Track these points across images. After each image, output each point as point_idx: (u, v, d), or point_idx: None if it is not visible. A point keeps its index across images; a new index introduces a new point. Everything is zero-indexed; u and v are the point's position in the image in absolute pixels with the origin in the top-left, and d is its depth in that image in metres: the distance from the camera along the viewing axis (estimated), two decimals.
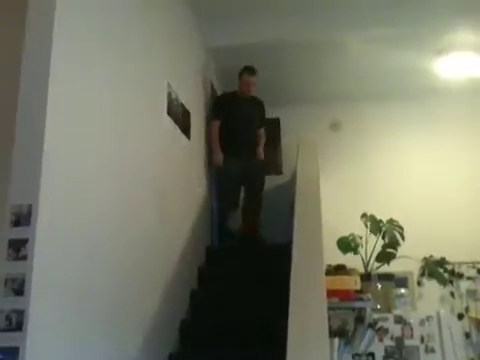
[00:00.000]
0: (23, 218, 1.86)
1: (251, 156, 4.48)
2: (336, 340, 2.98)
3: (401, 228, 4.05)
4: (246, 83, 4.46)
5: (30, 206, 1.86)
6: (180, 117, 3.73)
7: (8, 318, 1.77)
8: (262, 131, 4.68)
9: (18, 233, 1.85)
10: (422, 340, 4.09)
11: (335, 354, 2.99)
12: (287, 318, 2.14)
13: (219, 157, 4.34)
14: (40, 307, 1.82)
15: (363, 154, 5.32)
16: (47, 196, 1.91)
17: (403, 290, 4.55)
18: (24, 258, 1.82)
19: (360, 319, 3.14)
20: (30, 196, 1.87)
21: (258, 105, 4.65)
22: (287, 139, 5.43)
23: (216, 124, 4.43)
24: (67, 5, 2.18)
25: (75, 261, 2.11)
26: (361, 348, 3.57)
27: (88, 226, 2.24)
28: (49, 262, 1.91)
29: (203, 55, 4.61)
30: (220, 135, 4.40)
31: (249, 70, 4.45)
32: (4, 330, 1.75)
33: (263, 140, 4.66)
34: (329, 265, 3.34)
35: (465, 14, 4.08)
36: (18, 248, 1.84)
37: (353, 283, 3.18)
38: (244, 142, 4.42)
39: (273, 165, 5.38)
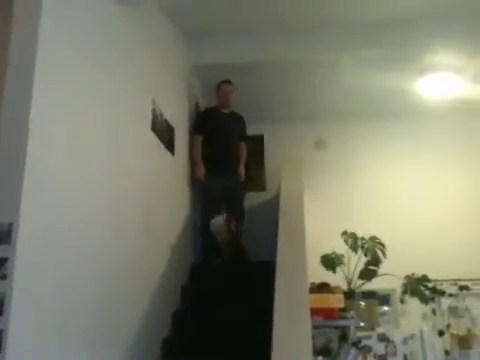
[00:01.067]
0: (3, 236, 1.83)
1: (232, 173, 4.49)
2: (320, 359, 2.97)
3: (383, 245, 4.07)
4: (224, 92, 4.55)
5: (11, 224, 1.83)
6: (164, 133, 3.72)
7: None
8: (243, 145, 4.70)
9: None
10: (405, 358, 4.09)
11: None
12: (271, 337, 2.13)
13: (201, 171, 4.35)
14: (20, 327, 1.79)
15: (348, 172, 5.36)
16: (28, 214, 1.88)
17: (386, 307, 4.56)
18: (4, 277, 1.79)
19: (344, 337, 3.14)
20: (11, 214, 1.84)
21: (238, 119, 4.68)
22: (271, 156, 5.46)
23: (198, 139, 4.45)
24: (52, 22, 2.17)
25: (56, 280, 2.07)
26: None
27: (70, 244, 2.21)
28: (30, 281, 1.87)
29: (188, 72, 4.63)
30: (202, 151, 4.41)
31: (226, 81, 4.56)
32: None
33: (244, 155, 4.67)
34: (312, 283, 3.33)
35: (445, 36, 4.17)
36: None
37: (337, 301, 3.19)
38: (225, 158, 4.44)
39: (256, 182, 5.39)
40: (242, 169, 4.60)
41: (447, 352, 4.38)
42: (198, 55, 4.53)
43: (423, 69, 4.58)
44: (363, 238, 4.13)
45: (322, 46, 4.42)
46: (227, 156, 4.46)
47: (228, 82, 4.54)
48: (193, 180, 4.46)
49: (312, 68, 4.66)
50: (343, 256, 4.01)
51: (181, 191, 4.21)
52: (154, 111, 3.50)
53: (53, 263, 2.05)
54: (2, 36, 2.14)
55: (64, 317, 2.10)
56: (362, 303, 3.94)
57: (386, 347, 4.09)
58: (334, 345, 2.99)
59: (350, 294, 3.79)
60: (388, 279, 3.99)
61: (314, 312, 2.57)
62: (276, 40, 4.41)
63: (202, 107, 5.00)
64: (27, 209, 1.88)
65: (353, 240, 4.10)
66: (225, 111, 4.60)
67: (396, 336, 4.16)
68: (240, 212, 4.48)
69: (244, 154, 4.68)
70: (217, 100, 4.62)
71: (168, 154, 3.82)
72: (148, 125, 3.40)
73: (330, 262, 3.94)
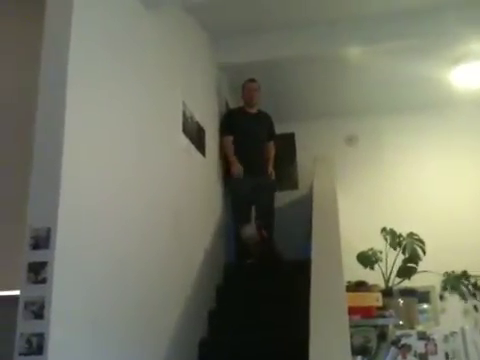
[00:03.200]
0: (42, 241, 1.86)
1: (261, 172, 4.46)
2: (359, 358, 2.92)
3: (422, 242, 3.98)
4: (248, 90, 4.53)
5: (49, 229, 1.86)
6: (195, 135, 3.74)
7: (28, 341, 1.77)
8: (271, 145, 4.66)
9: (37, 256, 1.85)
10: (447, 356, 3.99)
11: None
12: (308, 337, 2.10)
13: (238, 168, 4.31)
14: (60, 330, 1.82)
15: (380, 167, 5.26)
16: (65, 219, 1.91)
17: (426, 305, 4.45)
18: (43, 281, 1.83)
19: (383, 336, 3.08)
20: (49, 219, 1.87)
21: (264, 118, 4.64)
22: (302, 154, 5.41)
23: (229, 139, 4.43)
24: (83, 27, 2.21)
25: (94, 283, 2.10)
26: None
27: (106, 248, 2.24)
28: (68, 285, 1.91)
29: (217, 73, 4.63)
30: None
31: (250, 79, 4.54)
32: (25, 354, 1.75)
33: (272, 154, 4.63)
34: (349, 281, 3.28)
35: (477, 23, 4.05)
36: (37, 271, 1.84)
37: (375, 300, 3.13)
38: (252, 158, 4.40)
39: (288, 180, 5.35)
40: (271, 168, 4.55)
41: None
42: (225, 55, 4.53)
43: (457, 59, 4.46)
44: (401, 235, 4.04)
45: (351, 39, 4.34)
46: (254, 156, 4.42)
47: (252, 80, 4.52)
48: (225, 181, 4.46)
49: (341, 62, 4.59)
50: (381, 252, 3.93)
51: (213, 192, 4.22)
52: (184, 113, 3.52)
53: (90, 267, 2.09)
54: (35, 39, 2.19)
55: (100, 320, 2.13)
56: (401, 301, 3.86)
57: (426, 345, 4.00)
58: (373, 344, 2.93)
59: (388, 292, 3.71)
60: (427, 276, 3.90)
61: (352, 311, 2.53)
62: (303, 35, 4.36)
63: (232, 107, 5.00)
64: (64, 215, 1.91)
65: (392, 237, 4.01)
66: (251, 111, 4.58)
67: (436, 334, 4.06)
68: (270, 212, 4.45)
69: (272, 153, 4.64)
70: (243, 99, 4.62)
71: (199, 155, 3.84)
72: (179, 127, 3.42)
73: (367, 259, 3.87)
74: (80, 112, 2.11)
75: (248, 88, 4.54)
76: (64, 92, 2.02)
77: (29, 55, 2.26)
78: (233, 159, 4.36)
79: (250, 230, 4.10)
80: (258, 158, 4.47)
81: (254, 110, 4.59)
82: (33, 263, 1.85)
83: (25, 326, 1.79)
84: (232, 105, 5.01)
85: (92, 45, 2.30)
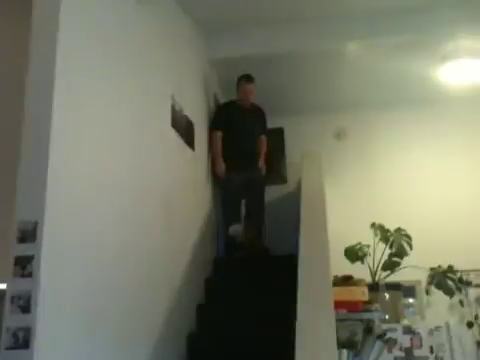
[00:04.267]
0: (29, 235, 1.86)
1: (252, 168, 4.45)
2: (345, 351, 2.95)
3: (409, 237, 4.01)
4: (244, 91, 4.44)
5: (36, 223, 1.86)
6: (184, 129, 3.73)
7: (15, 336, 1.77)
8: (263, 139, 4.66)
9: (24, 250, 1.85)
10: (432, 350, 4.05)
11: None
12: (294, 330, 2.12)
13: (221, 167, 4.31)
14: (47, 324, 1.82)
15: (369, 162, 5.29)
16: (53, 213, 1.91)
17: (411, 300, 4.50)
18: (30, 275, 1.82)
19: (369, 330, 3.11)
20: (36, 213, 1.87)
21: (257, 112, 4.61)
22: (291, 148, 5.42)
23: (217, 134, 4.40)
24: (72, 21, 2.20)
25: (81, 277, 2.10)
26: (370, 359, 3.53)
27: (94, 242, 2.24)
28: (55, 279, 1.91)
29: (206, 67, 4.63)
30: (222, 146, 4.39)
31: (246, 78, 4.43)
32: (11, 348, 1.75)
33: (265, 149, 4.63)
34: (336, 275, 3.31)
35: (466, 21, 4.09)
36: (24, 265, 1.84)
37: (361, 294, 3.16)
38: (245, 152, 4.39)
39: (277, 174, 5.36)
40: (262, 163, 4.56)
41: (478, 343, 4.30)
42: (215, 49, 4.53)
43: (445, 56, 4.49)
44: (388, 230, 4.08)
45: (341, 35, 4.36)
46: (246, 151, 4.42)
47: (248, 79, 4.43)
48: (214, 176, 4.46)
49: (331, 58, 4.61)
50: (368, 246, 3.96)
51: (202, 186, 4.22)
52: (173, 107, 3.52)
53: (78, 261, 2.08)
54: (23, 34, 2.17)
55: (88, 314, 2.13)
56: (387, 295, 3.90)
57: (411, 339, 4.05)
58: (359, 338, 2.97)
59: (374, 286, 3.75)
60: (413, 271, 3.94)
61: (338, 305, 2.56)
62: (293, 31, 4.36)
63: (221, 101, 4.99)
64: (51, 208, 1.90)
65: (382, 232, 4.04)
66: (245, 105, 4.54)
67: (422, 328, 4.11)
68: (260, 207, 4.46)
69: (265, 148, 4.64)
70: (237, 95, 4.55)
71: (188, 150, 3.83)
72: (168, 121, 3.41)
73: (354, 254, 3.90)
74: (67, 106, 2.10)
75: (244, 90, 4.46)
76: (52, 86, 2.02)
77: (17, 49, 2.24)
78: (218, 157, 4.34)
79: (237, 228, 4.10)
80: (250, 152, 4.46)
81: (248, 105, 4.55)
82: (20, 257, 1.84)
83: (11, 320, 1.79)
84: (222, 99, 5.00)
85: (81, 38, 2.28)
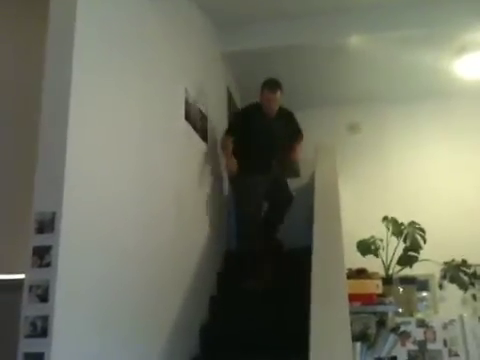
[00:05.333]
0: (47, 225, 1.88)
1: (271, 170, 4.10)
2: (358, 344, 2.95)
3: (423, 231, 3.99)
4: (267, 99, 3.97)
5: (53, 213, 1.88)
6: (198, 122, 3.74)
7: (33, 324, 1.79)
8: (297, 142, 4.29)
9: (42, 240, 1.88)
10: (445, 344, 4.04)
11: (357, 358, 2.96)
12: (309, 322, 2.13)
13: (233, 164, 3.91)
14: (64, 313, 1.84)
15: (382, 156, 5.27)
16: (70, 203, 1.93)
17: (425, 293, 4.49)
18: (48, 265, 1.85)
19: (382, 323, 3.11)
20: (53, 203, 1.89)
21: (286, 116, 4.17)
22: (305, 142, 5.40)
23: (229, 139, 4.05)
24: (87, 18, 2.21)
25: (98, 267, 2.13)
26: (384, 352, 3.53)
27: (111, 232, 2.26)
28: (72, 269, 1.93)
29: (219, 60, 4.62)
30: (238, 150, 4.01)
31: (269, 85, 3.96)
32: (29, 336, 1.78)
33: (297, 151, 4.25)
34: (349, 268, 3.30)
35: None
36: (42, 255, 1.86)
37: (375, 287, 3.15)
38: (263, 159, 4.03)
39: (290, 168, 5.34)
40: (294, 158, 4.27)
41: None
42: (228, 42, 4.53)
43: (461, 48, 4.44)
44: (402, 224, 4.06)
45: (355, 28, 4.35)
46: (266, 157, 4.07)
47: (270, 88, 3.94)
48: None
49: (345, 51, 4.57)
50: (381, 240, 3.95)
51: (215, 179, 4.23)
52: (187, 100, 3.52)
53: (94, 251, 2.11)
54: (40, 31, 2.19)
55: (104, 303, 2.16)
56: (400, 289, 3.89)
57: (425, 333, 4.04)
58: (372, 331, 2.97)
59: (388, 280, 3.74)
60: (426, 264, 3.92)
61: (352, 298, 2.55)
62: (307, 24, 4.35)
63: (234, 94, 4.98)
64: (69, 199, 1.93)
65: (394, 225, 4.02)
66: (269, 113, 4.06)
67: (435, 322, 4.10)
68: (288, 200, 4.22)
69: (297, 151, 4.25)
70: (260, 100, 4.05)
71: (202, 143, 3.85)
72: (182, 115, 3.42)
73: (367, 247, 3.89)
74: (84, 97, 2.12)
75: (267, 98, 3.97)
76: (69, 78, 2.04)
77: (35, 43, 2.27)
78: (228, 155, 3.98)
79: (251, 283, 3.62)
80: (269, 159, 4.11)
81: (272, 113, 4.06)
82: (38, 247, 1.87)
83: (30, 309, 1.82)
84: (235, 93, 5.00)
85: (95, 33, 2.30)
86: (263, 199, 4.11)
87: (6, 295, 2.36)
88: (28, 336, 1.78)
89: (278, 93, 3.95)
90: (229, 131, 4.16)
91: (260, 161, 4.01)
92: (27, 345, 1.77)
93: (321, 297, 2.33)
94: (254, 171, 3.92)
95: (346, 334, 2.12)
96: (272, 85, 3.95)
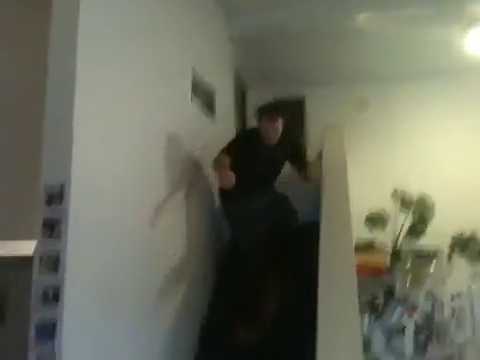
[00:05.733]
0: (56, 197, 1.91)
1: (269, 191, 3.58)
2: (366, 315, 2.98)
3: (432, 204, 3.98)
4: (265, 130, 3.28)
5: (62, 185, 1.91)
6: (205, 102, 3.75)
7: (45, 293, 1.84)
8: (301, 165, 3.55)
9: (51, 212, 1.91)
10: (453, 314, 4.05)
11: (365, 328, 2.99)
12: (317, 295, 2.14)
13: (228, 176, 3.00)
14: (74, 284, 1.89)
15: (391, 133, 5.24)
16: (79, 175, 1.96)
17: (433, 266, 4.49)
18: (58, 236, 1.88)
19: (390, 293, 3.13)
20: (62, 175, 1.92)
21: (286, 145, 3.43)
22: (313, 119, 5.39)
23: (226, 157, 3.19)
24: (91, 3, 2.19)
25: (108, 237, 2.16)
26: (391, 323, 3.55)
27: (119, 203, 2.29)
28: (82, 239, 1.97)
29: (227, 43, 4.59)
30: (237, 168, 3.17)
31: (267, 114, 3.29)
32: (42, 304, 1.82)
33: (306, 167, 3.53)
34: (358, 242, 3.31)
35: None
36: (52, 226, 1.89)
37: (383, 260, 3.17)
38: (261, 178, 3.43)
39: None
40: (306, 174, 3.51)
41: None
42: (236, 25, 4.49)
43: (470, 23, 4.37)
44: (411, 197, 4.05)
45: (363, 7, 4.29)
46: (264, 185, 3.53)
47: (269, 117, 3.26)
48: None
49: (353, 29, 4.51)
50: (389, 215, 3.95)
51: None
52: (194, 79, 3.52)
53: (103, 221, 2.14)
54: (43, 17, 2.20)
55: (113, 273, 2.20)
56: (408, 262, 3.89)
57: (433, 305, 4.05)
58: (380, 301, 2.99)
59: (396, 253, 3.75)
60: (435, 237, 3.92)
61: (360, 270, 2.56)
62: (315, 4, 4.29)
63: (242, 79, 4.80)
64: (77, 171, 1.95)
65: (403, 199, 4.01)
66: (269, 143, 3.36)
67: (443, 294, 4.10)
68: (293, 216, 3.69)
69: (307, 166, 3.53)
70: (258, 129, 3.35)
71: (209, 123, 3.85)
72: (188, 93, 3.42)
73: (375, 221, 3.89)
74: (90, 73, 2.13)
75: (265, 128, 3.27)
76: (74, 52, 2.04)
77: (39, 28, 2.29)
78: (227, 168, 3.07)
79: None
80: (267, 186, 3.57)
81: (271, 144, 3.35)
82: (48, 218, 1.90)
83: (41, 278, 1.86)
84: (243, 76, 4.88)
85: (100, 14, 2.28)
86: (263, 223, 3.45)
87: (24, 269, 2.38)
88: (40, 303, 1.82)
89: (277, 123, 3.25)
90: (230, 151, 3.31)
91: (255, 188, 3.37)
92: (40, 312, 1.82)
93: (329, 268, 2.35)
94: (248, 191, 3.26)
95: (354, 304, 2.12)
96: (272, 113, 3.30)
